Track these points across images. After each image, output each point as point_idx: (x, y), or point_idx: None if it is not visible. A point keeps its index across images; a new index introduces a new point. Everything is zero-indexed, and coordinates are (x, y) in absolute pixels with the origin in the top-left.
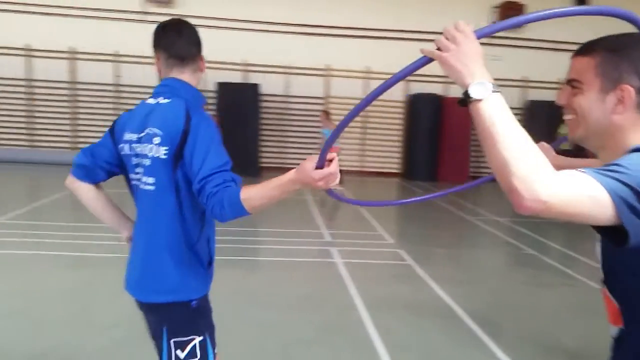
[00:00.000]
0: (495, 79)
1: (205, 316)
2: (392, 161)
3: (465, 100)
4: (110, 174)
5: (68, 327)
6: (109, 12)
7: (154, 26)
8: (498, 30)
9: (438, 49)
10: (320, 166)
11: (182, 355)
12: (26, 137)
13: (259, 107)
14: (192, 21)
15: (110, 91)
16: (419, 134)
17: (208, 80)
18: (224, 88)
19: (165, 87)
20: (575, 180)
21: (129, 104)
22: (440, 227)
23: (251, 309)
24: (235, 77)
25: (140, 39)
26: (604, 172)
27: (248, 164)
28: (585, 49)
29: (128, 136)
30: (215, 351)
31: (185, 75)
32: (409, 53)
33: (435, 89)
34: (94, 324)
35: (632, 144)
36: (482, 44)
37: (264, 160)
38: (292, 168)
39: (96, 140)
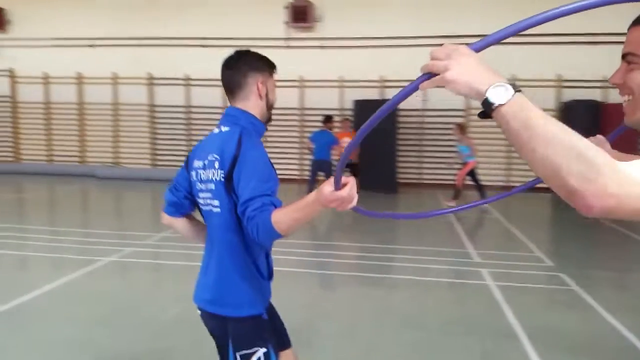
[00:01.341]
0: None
1: (269, 328)
2: None
3: (487, 111)
4: (195, 203)
5: None
6: (255, 40)
7: (296, 51)
8: (495, 42)
9: (434, 75)
10: (338, 188)
11: None
12: (149, 157)
13: (396, 122)
14: (331, 42)
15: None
16: None
17: (346, 98)
18: (361, 105)
19: (227, 116)
20: None
21: (275, 127)
22: (603, 246)
23: (397, 329)
24: (372, 94)
25: (283, 63)
26: None
27: (386, 181)
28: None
29: (196, 164)
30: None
31: (240, 103)
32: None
33: (593, 94)
34: None
35: None
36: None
37: (401, 176)
38: (430, 184)
39: None
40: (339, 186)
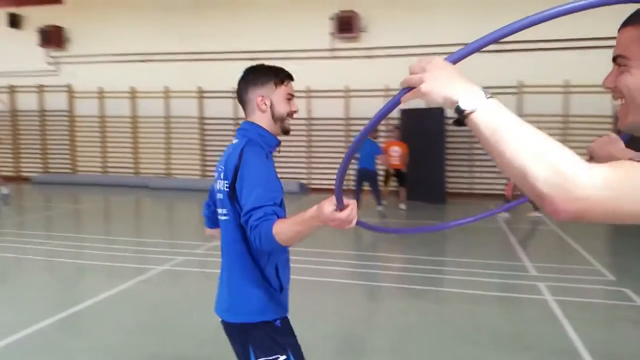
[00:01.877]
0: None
1: (288, 336)
2: None
3: (460, 118)
4: None
5: None
6: (302, 52)
7: (342, 61)
8: (472, 52)
9: (410, 89)
10: (340, 208)
11: None
12: (199, 168)
13: (445, 132)
14: (377, 52)
15: (302, 124)
16: None
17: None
18: (408, 114)
19: (239, 130)
20: (624, 169)
21: (320, 137)
22: None
23: (450, 344)
24: (419, 102)
25: (329, 74)
26: None
27: (434, 191)
28: (630, 19)
29: (215, 175)
30: None
31: (250, 117)
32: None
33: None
34: None
35: None
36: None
37: (450, 186)
38: (479, 194)
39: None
40: (341, 206)
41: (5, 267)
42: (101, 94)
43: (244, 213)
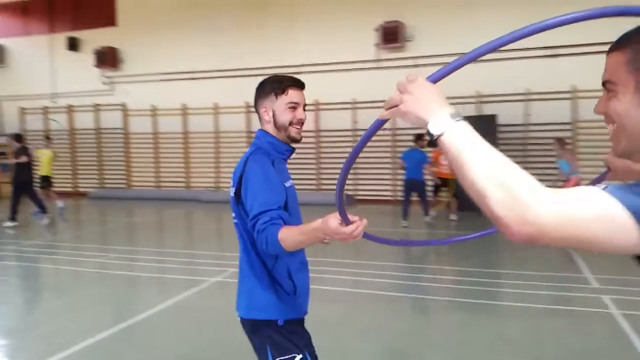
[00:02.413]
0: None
1: (302, 338)
2: None
3: (432, 139)
4: None
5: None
6: (347, 64)
7: (387, 71)
8: (453, 70)
9: (393, 107)
10: (346, 223)
11: None
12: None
13: (497, 138)
14: (423, 61)
15: (349, 136)
16: None
17: None
18: None
19: (254, 138)
20: (578, 196)
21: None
22: None
23: (516, 359)
24: (469, 110)
25: (375, 84)
26: (631, 187)
27: None
28: (617, 43)
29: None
30: None
31: (263, 126)
32: None
33: None
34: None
35: None
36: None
37: None
38: None
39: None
40: (346, 221)
41: (64, 279)
42: (154, 112)
43: (250, 218)
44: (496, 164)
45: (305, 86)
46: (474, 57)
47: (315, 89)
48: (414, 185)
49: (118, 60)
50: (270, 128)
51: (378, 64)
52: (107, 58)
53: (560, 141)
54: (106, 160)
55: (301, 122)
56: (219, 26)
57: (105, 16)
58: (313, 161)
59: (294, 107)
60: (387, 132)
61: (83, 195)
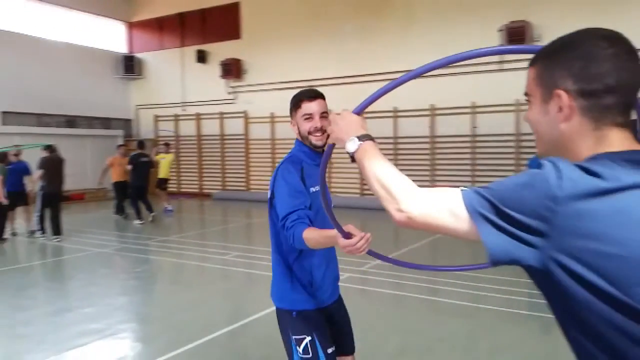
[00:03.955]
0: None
1: (313, 322)
2: None
3: (351, 158)
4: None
5: None
6: (467, 67)
7: (512, 73)
8: (373, 101)
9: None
10: (344, 236)
11: (300, 350)
12: (358, 186)
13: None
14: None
15: (467, 141)
16: None
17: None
18: None
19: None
20: (441, 195)
21: (485, 152)
22: None
23: None
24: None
25: (498, 88)
26: (479, 188)
27: None
28: (531, 60)
29: None
30: (329, 351)
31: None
32: None
33: None
34: None
35: (585, 155)
36: None
37: None
38: None
39: (450, 185)
40: (345, 235)
41: (190, 274)
42: (272, 119)
43: (280, 218)
44: (390, 173)
45: (419, 93)
46: (390, 88)
47: (431, 94)
48: None
49: (242, 71)
50: (300, 137)
51: (501, 66)
52: (232, 69)
53: None
54: (229, 164)
55: (318, 130)
56: (333, 35)
57: (231, 30)
58: (427, 168)
59: (309, 117)
60: (511, 137)
61: (207, 196)
